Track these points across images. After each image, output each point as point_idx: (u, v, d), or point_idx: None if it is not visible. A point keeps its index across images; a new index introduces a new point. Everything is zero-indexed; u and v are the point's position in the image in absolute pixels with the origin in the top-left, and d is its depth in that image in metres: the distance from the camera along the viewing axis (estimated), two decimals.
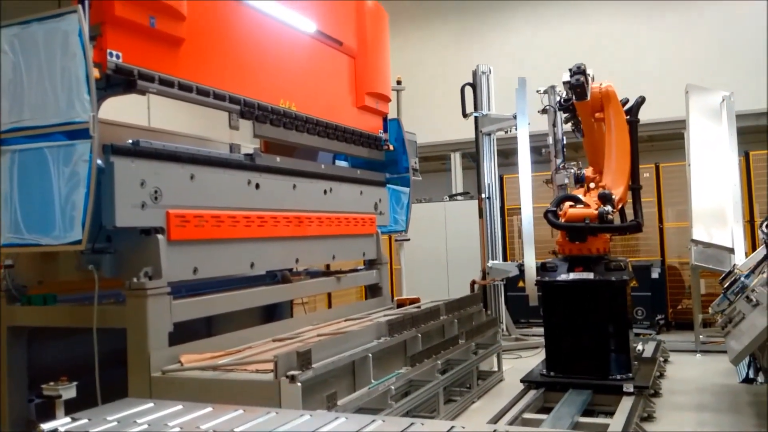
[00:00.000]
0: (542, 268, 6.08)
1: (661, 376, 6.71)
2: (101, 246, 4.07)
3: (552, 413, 5.11)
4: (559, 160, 6.33)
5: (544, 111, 6.50)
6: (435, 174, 14.26)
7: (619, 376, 5.66)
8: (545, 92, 6.60)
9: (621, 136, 6.26)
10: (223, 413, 2.60)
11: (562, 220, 5.92)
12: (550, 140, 6.38)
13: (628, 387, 5.47)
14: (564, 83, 6.12)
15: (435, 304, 6.09)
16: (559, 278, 5.92)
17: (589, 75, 6.14)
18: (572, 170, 6.38)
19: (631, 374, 5.69)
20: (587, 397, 5.48)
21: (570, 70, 5.97)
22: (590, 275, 5.84)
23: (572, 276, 5.89)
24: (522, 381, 5.96)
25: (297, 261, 5.64)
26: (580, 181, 6.43)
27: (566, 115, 6.40)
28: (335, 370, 4.07)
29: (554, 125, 6.36)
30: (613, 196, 6.03)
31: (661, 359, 7.16)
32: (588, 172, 6.58)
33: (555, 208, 5.96)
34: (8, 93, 3.88)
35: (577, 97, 5.95)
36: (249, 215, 4.93)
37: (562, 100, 6.20)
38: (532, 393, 5.68)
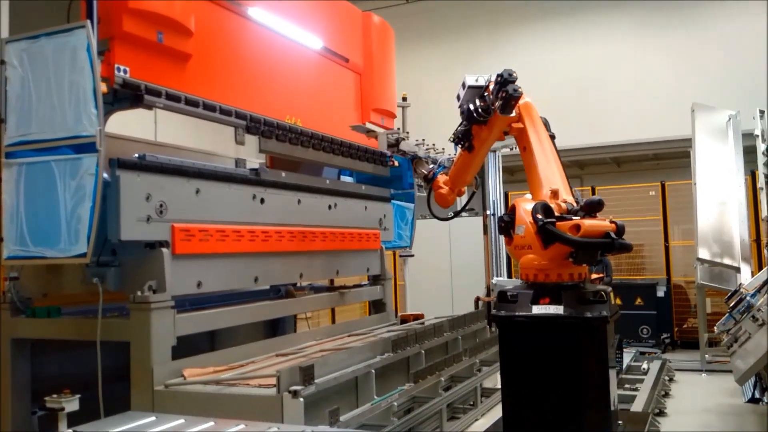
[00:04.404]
0: (500, 299, 4.15)
1: (667, 395, 6.68)
2: (106, 259, 4.07)
3: None
4: None
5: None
6: None
7: None
8: None
9: (550, 144, 4.58)
10: (225, 427, 2.59)
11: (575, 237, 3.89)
12: None
13: None
14: (471, 87, 4.74)
15: (439, 321, 6.07)
16: (519, 313, 4.00)
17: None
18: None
19: None
20: None
21: (500, 75, 4.52)
22: (560, 309, 3.94)
23: (536, 310, 3.98)
24: None
25: (301, 276, 5.64)
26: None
27: (464, 124, 4.87)
28: (338, 386, 4.06)
29: None
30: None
31: (666, 378, 7.12)
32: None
33: (552, 220, 3.99)
34: (16, 106, 3.91)
35: (506, 110, 4.53)
36: (254, 230, 4.94)
37: (480, 109, 4.64)
38: None
